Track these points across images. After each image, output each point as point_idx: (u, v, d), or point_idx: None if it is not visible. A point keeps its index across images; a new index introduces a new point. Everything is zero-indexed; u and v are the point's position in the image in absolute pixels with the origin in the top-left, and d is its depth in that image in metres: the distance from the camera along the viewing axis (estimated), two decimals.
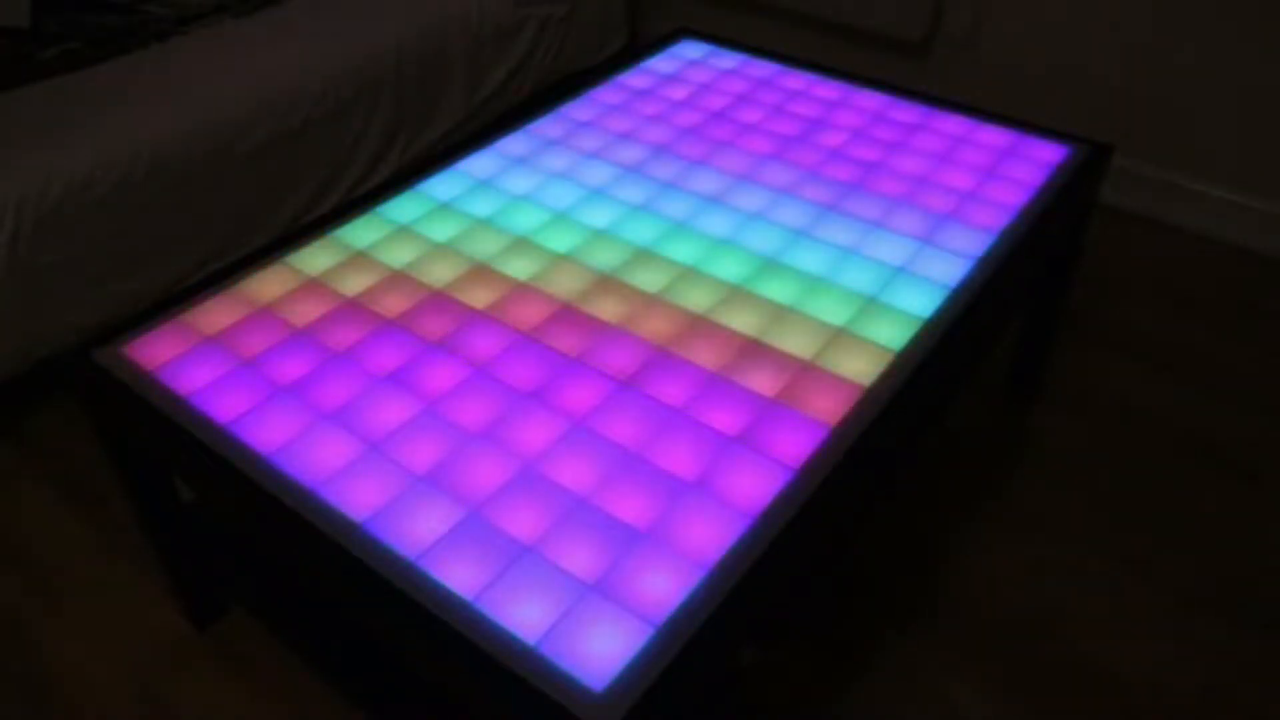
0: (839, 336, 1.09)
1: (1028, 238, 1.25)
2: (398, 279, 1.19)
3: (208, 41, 1.92)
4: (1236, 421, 1.58)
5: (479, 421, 0.99)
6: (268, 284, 1.19)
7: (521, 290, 1.17)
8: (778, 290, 1.15)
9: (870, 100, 1.55)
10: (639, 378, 1.03)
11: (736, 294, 1.15)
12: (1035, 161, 1.39)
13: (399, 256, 1.23)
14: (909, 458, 1.46)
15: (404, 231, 1.27)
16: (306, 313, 1.14)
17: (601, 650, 0.78)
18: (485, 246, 1.24)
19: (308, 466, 0.95)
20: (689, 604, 0.81)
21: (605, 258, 1.21)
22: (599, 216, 1.29)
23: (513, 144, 1.46)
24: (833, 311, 1.12)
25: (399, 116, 2.03)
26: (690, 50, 1.73)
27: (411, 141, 2.08)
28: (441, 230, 1.28)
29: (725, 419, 0.98)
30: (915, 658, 1.25)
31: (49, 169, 1.53)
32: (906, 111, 1.52)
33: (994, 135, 1.45)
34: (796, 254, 1.21)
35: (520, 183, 1.37)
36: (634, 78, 1.64)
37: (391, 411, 1.00)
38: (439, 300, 1.15)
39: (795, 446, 0.95)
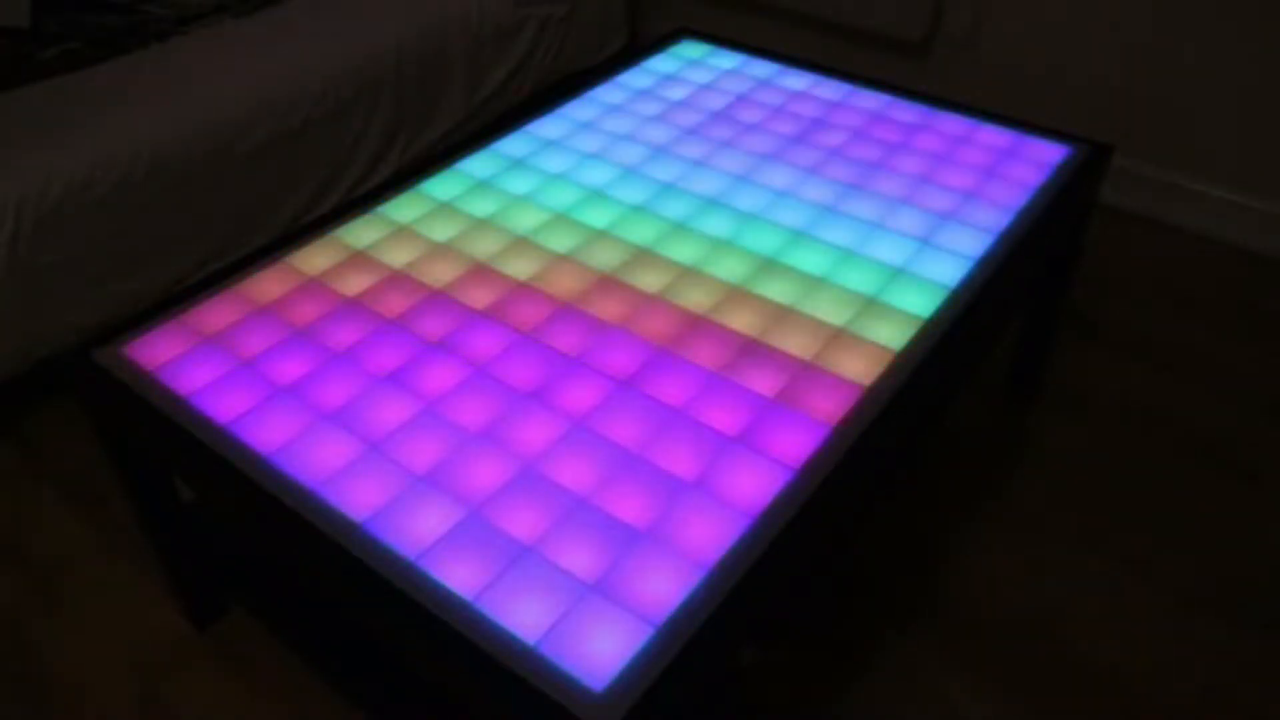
0: (839, 336, 1.09)
1: (1028, 238, 1.25)
2: (398, 279, 1.19)
3: (208, 41, 1.92)
4: (1236, 421, 1.58)
5: (479, 421, 0.99)
6: (268, 284, 1.19)
7: (521, 290, 1.17)
8: (778, 290, 1.15)
9: (870, 100, 1.55)
10: (639, 378, 1.03)
11: (736, 294, 1.15)
12: (1035, 161, 1.39)
13: (399, 256, 1.23)
14: (909, 458, 1.46)
15: (404, 231, 1.27)
16: (306, 313, 1.14)
17: (601, 650, 0.78)
18: (485, 246, 1.24)
19: (308, 466, 0.95)
20: (689, 604, 0.81)
21: (605, 258, 1.21)
22: (599, 216, 1.29)
23: (513, 144, 1.46)
24: (833, 311, 1.12)
25: (399, 116, 2.03)
26: (690, 50, 1.73)
27: (411, 141, 2.08)
28: (441, 230, 1.28)
29: (725, 419, 0.98)
30: (915, 658, 1.25)
31: (49, 169, 1.53)
32: (906, 111, 1.52)
33: (994, 135, 1.45)
34: (796, 254, 1.21)
35: (520, 183, 1.37)
36: (634, 78, 1.64)
37: (391, 411, 1.00)
38: (439, 300, 1.15)
39: (795, 446, 0.95)
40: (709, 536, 0.87)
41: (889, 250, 1.22)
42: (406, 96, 2.02)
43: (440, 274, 1.20)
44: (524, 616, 0.81)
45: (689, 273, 1.19)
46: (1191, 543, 1.39)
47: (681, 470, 0.93)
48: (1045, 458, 1.53)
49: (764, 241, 1.24)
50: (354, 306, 1.15)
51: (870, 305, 1.13)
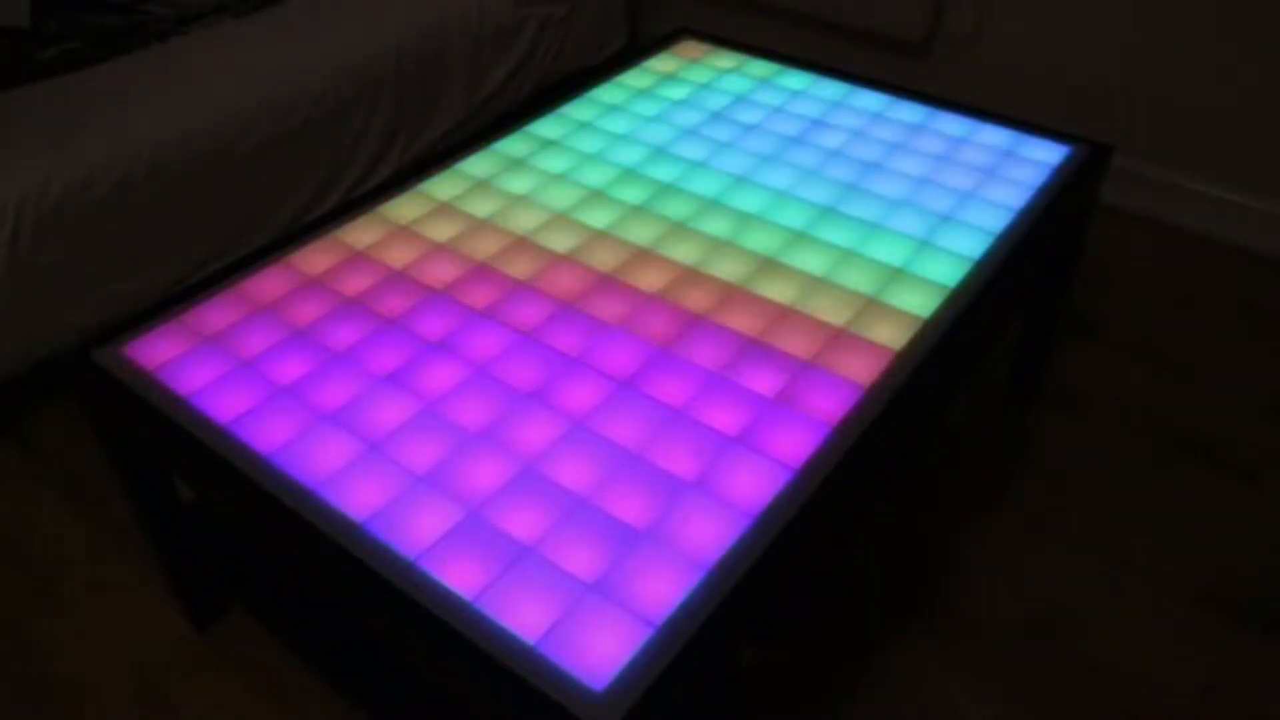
0: (839, 336, 1.09)
1: (1028, 238, 1.24)
2: (397, 279, 1.19)
3: (208, 41, 1.92)
4: (1236, 421, 1.58)
5: (479, 421, 0.99)
6: (268, 284, 1.19)
7: (521, 290, 1.17)
8: (778, 290, 1.15)
9: (870, 100, 1.55)
10: (639, 378, 1.03)
11: (736, 294, 1.15)
12: (1035, 161, 1.39)
13: (399, 256, 1.23)
14: (909, 458, 1.46)
15: (404, 231, 1.27)
16: (306, 313, 1.14)
17: (601, 650, 0.78)
18: (485, 246, 1.24)
19: (308, 466, 0.95)
20: (689, 604, 0.81)
21: (605, 258, 1.21)
22: (599, 216, 1.29)
23: (513, 144, 1.46)
24: (833, 311, 1.12)
25: (399, 116, 2.03)
26: (690, 50, 1.73)
27: (411, 141, 2.08)
28: (441, 230, 1.27)
29: (725, 419, 0.98)
30: (915, 658, 1.25)
31: (49, 169, 1.53)
32: (906, 111, 1.52)
33: (994, 135, 1.45)
34: (796, 254, 1.21)
35: (520, 183, 1.37)
36: (634, 78, 1.64)
37: (391, 411, 1.00)
38: (439, 300, 1.15)
39: (795, 446, 0.95)
40: (709, 536, 0.87)
41: (889, 250, 1.22)
42: (406, 96, 2.02)
43: (440, 274, 1.20)
44: (524, 616, 0.81)
45: (689, 273, 1.19)
46: (1191, 543, 1.39)
47: (681, 470, 0.93)
48: (1045, 458, 1.53)
49: (764, 241, 1.23)
50: (354, 306, 1.15)
51: (870, 305, 1.13)
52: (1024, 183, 1.34)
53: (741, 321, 1.11)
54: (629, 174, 1.38)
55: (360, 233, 1.27)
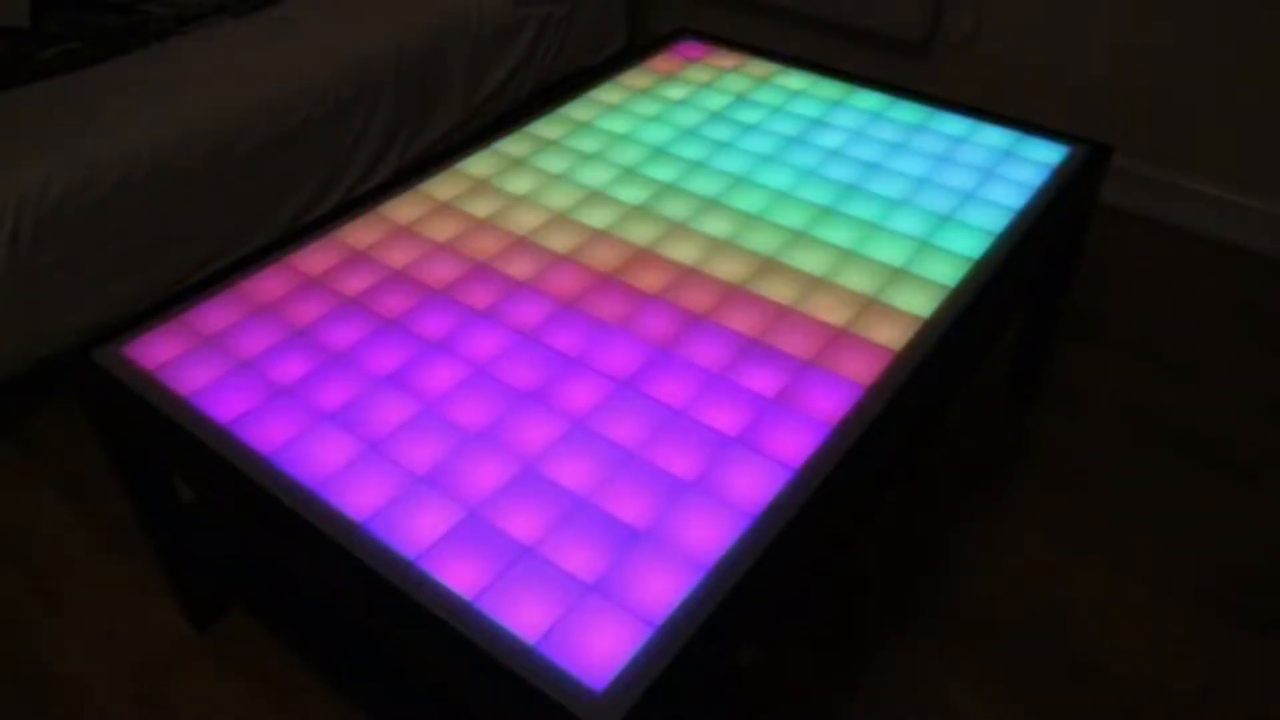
0: (839, 336, 1.09)
1: (1028, 238, 1.24)
2: (397, 279, 1.19)
3: (207, 41, 1.92)
4: (1236, 421, 1.58)
5: (479, 421, 0.99)
6: (268, 284, 1.19)
7: (521, 290, 1.17)
8: (778, 290, 1.15)
9: (870, 100, 1.55)
10: (639, 378, 1.03)
11: (736, 294, 1.15)
12: (1035, 161, 1.39)
13: (398, 257, 1.23)
14: (909, 458, 1.46)
15: (403, 231, 1.27)
16: (306, 313, 1.14)
17: (601, 650, 0.78)
18: (485, 246, 1.24)
19: (308, 466, 0.95)
20: (689, 604, 0.81)
21: (605, 258, 1.21)
22: (599, 216, 1.29)
23: (512, 144, 1.46)
24: (833, 311, 1.12)
25: (399, 116, 2.03)
26: (690, 50, 1.73)
27: (411, 141, 2.08)
28: (441, 230, 1.27)
29: (725, 419, 0.98)
30: (915, 658, 1.25)
31: (49, 169, 1.53)
32: (906, 111, 1.52)
33: (994, 135, 1.45)
34: (796, 254, 1.21)
35: (520, 183, 1.37)
36: (634, 78, 1.64)
37: (391, 411, 1.00)
38: (439, 300, 1.15)
39: (795, 446, 0.95)
40: (709, 536, 0.87)
41: (889, 250, 1.22)
42: (406, 96, 2.02)
43: (440, 274, 1.20)
44: (524, 616, 0.81)
45: (689, 272, 1.19)
46: (1191, 543, 1.39)
47: (681, 470, 0.93)
48: (1045, 458, 1.53)
49: (764, 241, 1.24)
50: (354, 307, 1.15)
51: (870, 305, 1.13)
52: (1024, 183, 1.34)
53: (742, 321, 1.11)
54: (629, 174, 1.38)
55: (360, 233, 1.27)
